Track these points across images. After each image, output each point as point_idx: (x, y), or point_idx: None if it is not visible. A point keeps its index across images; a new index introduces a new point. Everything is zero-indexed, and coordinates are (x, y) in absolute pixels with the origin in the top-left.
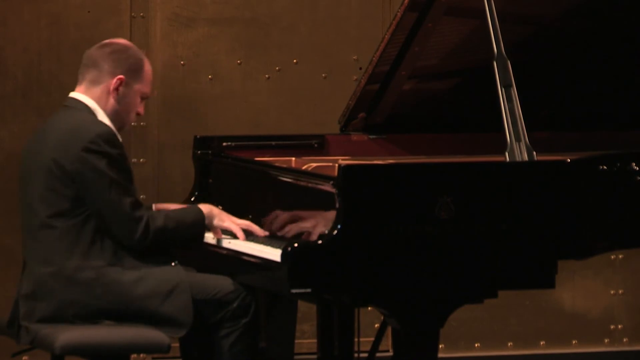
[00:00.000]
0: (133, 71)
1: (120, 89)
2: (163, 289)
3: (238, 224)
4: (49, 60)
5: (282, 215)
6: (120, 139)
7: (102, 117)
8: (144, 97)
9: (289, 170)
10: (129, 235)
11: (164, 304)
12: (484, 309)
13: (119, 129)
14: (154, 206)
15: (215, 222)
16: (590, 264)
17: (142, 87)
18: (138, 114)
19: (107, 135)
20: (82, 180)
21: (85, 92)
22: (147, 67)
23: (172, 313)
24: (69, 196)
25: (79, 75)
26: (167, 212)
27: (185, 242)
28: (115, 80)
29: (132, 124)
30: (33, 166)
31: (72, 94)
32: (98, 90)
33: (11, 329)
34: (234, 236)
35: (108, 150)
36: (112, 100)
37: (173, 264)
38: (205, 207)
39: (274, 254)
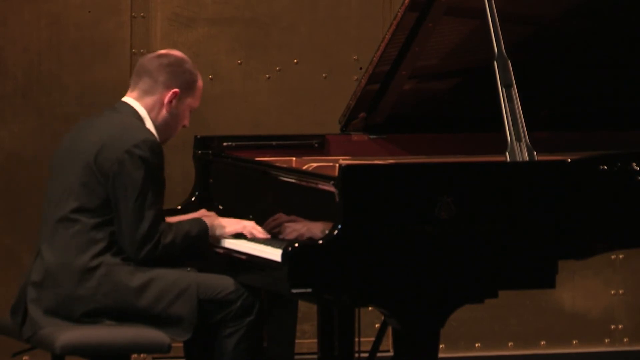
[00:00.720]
0: (187, 85)
1: (174, 102)
2: (172, 292)
3: (240, 229)
4: (49, 60)
5: (281, 217)
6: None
7: (149, 126)
8: (191, 111)
9: (289, 170)
10: (137, 249)
11: (171, 307)
12: (484, 309)
13: (164, 141)
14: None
15: (218, 232)
16: (591, 264)
17: (193, 101)
18: (184, 126)
19: (152, 143)
20: (114, 181)
21: (138, 99)
22: (200, 82)
23: (177, 316)
24: (100, 195)
25: (131, 82)
26: (176, 226)
27: (190, 253)
28: (170, 93)
29: None
30: (71, 159)
31: (124, 99)
32: (151, 100)
33: (15, 317)
34: (235, 236)
35: (149, 158)
36: (164, 112)
37: (188, 269)
38: (207, 219)
39: (274, 254)
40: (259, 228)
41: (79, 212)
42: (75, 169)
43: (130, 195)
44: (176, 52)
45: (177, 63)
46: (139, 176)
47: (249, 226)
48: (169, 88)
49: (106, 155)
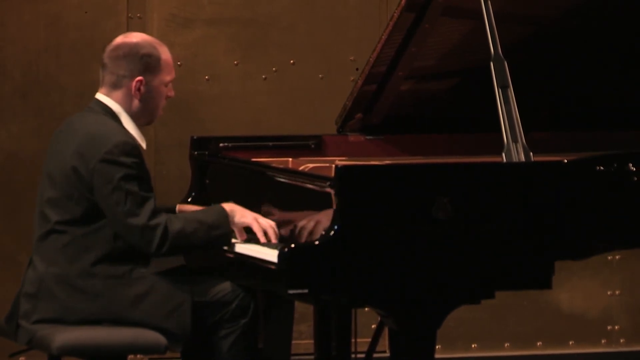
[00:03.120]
0: (149, 69)
1: (142, 88)
2: (167, 307)
3: (260, 224)
4: (47, 60)
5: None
6: (145, 145)
7: (126, 121)
8: (168, 83)
9: (285, 171)
10: (147, 245)
11: (165, 322)
12: (481, 309)
13: (150, 120)
14: (177, 207)
15: (237, 218)
16: (588, 265)
17: (163, 77)
18: (169, 97)
19: (123, 145)
20: (99, 191)
21: (108, 95)
22: (164, 56)
23: (171, 330)
24: (84, 205)
25: (100, 75)
26: (187, 215)
27: (209, 243)
28: (134, 83)
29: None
30: (53, 170)
31: (97, 95)
32: (120, 93)
33: (9, 325)
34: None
35: (123, 160)
36: (136, 102)
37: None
38: (227, 205)
39: (270, 254)
40: (272, 223)
41: (64, 223)
42: (58, 180)
43: (118, 199)
44: (131, 38)
45: (131, 52)
46: (119, 179)
47: (263, 227)
48: (131, 78)
49: (83, 165)
